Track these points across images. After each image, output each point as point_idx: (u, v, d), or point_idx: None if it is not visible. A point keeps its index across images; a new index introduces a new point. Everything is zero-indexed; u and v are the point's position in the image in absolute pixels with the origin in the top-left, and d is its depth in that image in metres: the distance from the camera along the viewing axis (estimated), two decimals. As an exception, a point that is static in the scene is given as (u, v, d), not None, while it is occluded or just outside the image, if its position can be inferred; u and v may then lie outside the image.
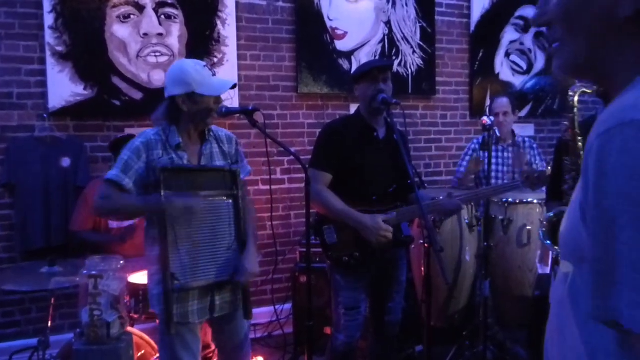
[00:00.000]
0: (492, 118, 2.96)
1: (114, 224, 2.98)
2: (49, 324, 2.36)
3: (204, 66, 2.05)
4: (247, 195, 2.33)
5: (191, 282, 1.99)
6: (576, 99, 2.00)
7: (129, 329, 2.27)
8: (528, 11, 4.58)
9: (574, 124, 2.02)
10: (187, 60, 2.11)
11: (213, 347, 2.58)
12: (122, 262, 2.17)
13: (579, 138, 2.00)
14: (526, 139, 3.69)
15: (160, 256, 1.94)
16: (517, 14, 4.59)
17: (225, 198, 2.10)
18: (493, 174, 3.47)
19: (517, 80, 4.67)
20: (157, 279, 1.99)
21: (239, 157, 2.24)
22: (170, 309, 1.92)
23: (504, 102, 3.55)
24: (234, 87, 2.14)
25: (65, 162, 3.24)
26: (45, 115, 3.23)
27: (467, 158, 3.61)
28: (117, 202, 1.95)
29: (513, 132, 3.64)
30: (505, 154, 3.57)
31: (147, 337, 2.51)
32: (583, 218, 0.69)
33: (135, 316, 2.50)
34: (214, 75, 2.07)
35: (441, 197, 2.50)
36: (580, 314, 0.72)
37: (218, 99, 2.06)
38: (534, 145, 3.65)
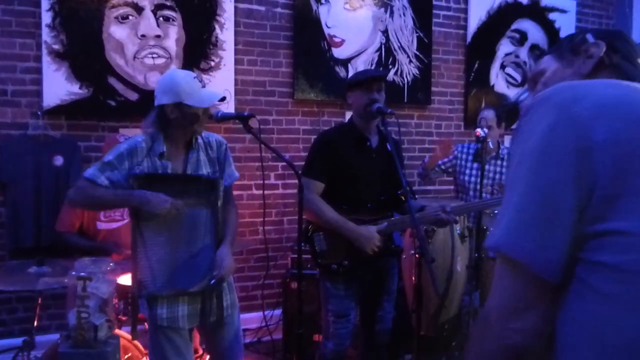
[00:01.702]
0: (485, 130, 2.97)
1: (102, 225, 2.96)
2: (35, 324, 2.34)
3: (194, 77, 2.06)
4: (234, 200, 2.30)
5: (161, 291, 1.99)
6: None
7: (117, 331, 2.25)
8: (524, 24, 4.62)
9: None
10: (178, 71, 2.12)
11: (200, 351, 2.56)
12: (111, 264, 2.15)
13: None
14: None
15: (132, 262, 1.97)
16: (513, 27, 4.62)
17: (202, 207, 2.07)
18: (473, 186, 3.46)
19: (512, 92, 4.70)
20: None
21: (227, 162, 2.22)
22: (136, 314, 1.98)
23: (489, 116, 3.56)
24: (222, 99, 2.13)
25: (58, 160, 3.22)
26: (39, 113, 3.21)
27: (445, 160, 3.60)
28: (90, 194, 1.96)
29: (499, 144, 3.65)
30: (488, 167, 3.55)
31: (135, 340, 2.49)
32: None
33: (124, 318, 2.48)
34: (204, 86, 2.07)
35: (433, 205, 2.50)
36: None
37: (206, 110, 2.06)
38: None
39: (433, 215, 2.39)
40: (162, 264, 1.99)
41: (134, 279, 1.98)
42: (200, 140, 2.14)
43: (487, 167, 3.54)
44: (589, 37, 0.98)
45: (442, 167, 3.61)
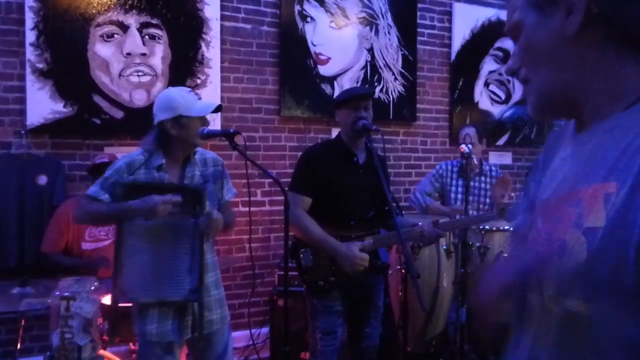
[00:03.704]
0: (470, 146, 3.01)
1: (87, 246, 2.93)
2: (18, 347, 2.29)
3: (189, 91, 2.17)
4: (233, 213, 2.35)
5: (140, 298, 2.01)
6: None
7: (101, 352, 2.22)
8: (507, 43, 4.71)
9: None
10: (172, 88, 2.20)
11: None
12: (96, 283, 2.13)
13: None
14: (493, 167, 3.73)
15: (114, 269, 2.00)
16: (496, 45, 4.71)
17: (186, 215, 2.08)
18: (459, 203, 3.49)
19: (496, 110, 4.77)
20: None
21: (226, 179, 2.27)
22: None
23: (471, 132, 3.60)
24: (219, 108, 2.17)
25: (42, 180, 3.19)
26: (22, 132, 3.19)
27: (432, 179, 3.64)
28: (92, 210, 2.03)
29: (481, 161, 3.68)
30: (473, 183, 3.59)
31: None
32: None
33: (108, 339, 2.44)
34: (199, 99, 2.16)
35: (420, 224, 2.52)
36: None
37: (204, 121, 2.14)
38: (501, 174, 3.67)
39: (418, 231, 2.40)
40: (143, 272, 2.00)
41: (114, 286, 1.99)
42: (197, 157, 2.20)
43: (471, 183, 3.57)
44: None
45: (434, 192, 3.64)
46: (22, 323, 2.32)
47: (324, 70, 4.03)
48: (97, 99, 3.38)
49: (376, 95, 4.15)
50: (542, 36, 0.74)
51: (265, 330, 3.65)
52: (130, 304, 2.20)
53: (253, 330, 3.61)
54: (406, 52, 4.32)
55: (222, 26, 3.73)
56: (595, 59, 0.72)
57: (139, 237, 2.00)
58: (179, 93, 2.12)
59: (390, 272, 3.08)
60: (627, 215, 0.62)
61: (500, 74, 4.75)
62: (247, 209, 3.67)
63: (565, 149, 0.83)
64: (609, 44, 0.71)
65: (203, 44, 3.66)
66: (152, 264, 2.01)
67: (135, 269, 1.98)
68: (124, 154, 3.31)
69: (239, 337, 3.66)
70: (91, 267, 2.78)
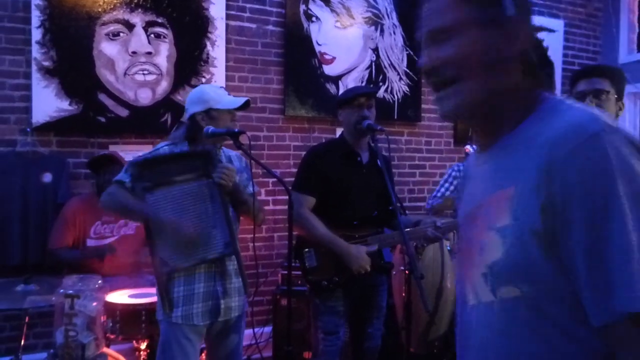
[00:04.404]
0: (475, 147, 2.99)
1: (92, 242, 2.94)
2: (22, 343, 2.30)
3: (220, 87, 2.32)
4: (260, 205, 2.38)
5: (181, 264, 2.04)
6: None
7: (105, 349, 2.22)
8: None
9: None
10: (205, 84, 2.34)
11: None
12: (100, 281, 2.13)
13: None
14: None
15: (149, 245, 2.03)
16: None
17: (201, 179, 2.13)
18: None
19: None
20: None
21: (249, 174, 2.30)
22: (163, 292, 2.02)
23: None
24: (247, 103, 2.21)
25: (47, 177, 3.20)
26: (28, 130, 3.20)
27: (447, 185, 3.63)
28: (118, 200, 2.06)
29: None
30: None
31: (122, 359, 2.46)
32: (538, 240, 0.74)
33: (112, 336, 2.45)
34: (229, 94, 2.26)
35: (427, 220, 2.51)
36: (548, 332, 0.76)
37: (233, 116, 2.23)
38: None
39: (422, 231, 2.40)
40: (176, 239, 2.03)
41: (154, 260, 2.03)
42: (222, 153, 2.26)
43: None
44: None
45: (450, 195, 3.60)
46: (26, 320, 2.33)
47: (329, 69, 4.02)
48: (103, 97, 3.39)
49: (381, 95, 4.15)
50: (482, 48, 0.82)
51: (268, 329, 3.65)
52: (136, 301, 2.21)
53: (256, 330, 3.61)
54: (411, 52, 4.31)
55: (227, 25, 3.73)
56: (516, 82, 0.84)
57: (162, 211, 2.04)
58: (211, 88, 2.26)
59: (393, 272, 3.08)
60: (526, 210, 0.75)
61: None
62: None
63: (473, 167, 0.98)
64: (524, 74, 0.85)
65: (208, 43, 3.66)
66: (182, 232, 2.04)
67: (168, 239, 2.02)
68: (129, 152, 3.35)
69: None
70: (99, 254, 2.80)
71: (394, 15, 4.24)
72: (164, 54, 3.54)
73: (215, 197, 2.11)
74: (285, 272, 3.09)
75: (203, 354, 2.50)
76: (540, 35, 0.88)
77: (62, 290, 1.93)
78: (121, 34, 3.42)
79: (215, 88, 2.27)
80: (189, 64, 3.62)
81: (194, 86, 3.59)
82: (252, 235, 2.74)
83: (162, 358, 2.12)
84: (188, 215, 2.07)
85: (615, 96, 2.04)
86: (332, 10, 4.01)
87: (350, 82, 4.08)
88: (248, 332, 3.64)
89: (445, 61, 0.84)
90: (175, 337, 2.08)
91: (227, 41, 3.74)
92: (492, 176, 0.86)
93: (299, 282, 3.09)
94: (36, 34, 3.20)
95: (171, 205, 2.05)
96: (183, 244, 2.03)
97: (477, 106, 0.85)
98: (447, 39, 0.84)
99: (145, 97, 3.48)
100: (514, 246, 0.77)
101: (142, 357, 2.53)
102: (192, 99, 2.21)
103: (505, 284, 0.79)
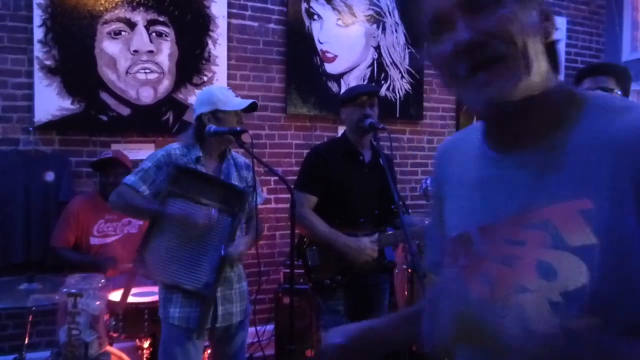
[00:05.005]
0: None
1: (95, 241, 2.95)
2: (26, 341, 2.31)
3: (228, 89, 2.31)
4: (260, 223, 2.34)
5: (158, 275, 2.06)
6: None
7: (108, 348, 2.23)
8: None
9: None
10: (213, 85, 2.36)
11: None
12: (102, 280, 2.14)
13: None
14: None
15: (142, 242, 2.05)
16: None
17: (226, 215, 2.13)
18: None
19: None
20: (160, 285, 2.14)
21: (255, 183, 2.31)
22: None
23: None
24: (254, 106, 2.23)
25: (49, 176, 3.20)
26: (30, 129, 3.20)
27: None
28: (128, 200, 2.06)
29: None
30: None
31: (125, 357, 2.46)
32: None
33: (115, 335, 2.46)
34: (236, 96, 2.26)
35: (426, 222, 2.51)
36: None
37: (240, 118, 2.21)
38: None
39: (423, 229, 2.39)
40: (167, 253, 2.05)
41: (138, 258, 2.03)
42: (231, 157, 2.26)
43: None
44: None
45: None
46: (30, 318, 2.34)
47: (331, 68, 4.02)
48: (104, 96, 3.39)
49: (383, 93, 4.14)
50: (521, 25, 0.68)
51: (270, 327, 3.66)
52: (139, 300, 2.23)
53: (258, 328, 3.61)
54: (413, 50, 4.30)
55: (229, 24, 3.73)
56: (549, 69, 0.72)
57: (173, 220, 2.05)
58: (219, 89, 2.27)
59: (396, 271, 3.07)
60: (618, 231, 0.62)
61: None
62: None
63: (481, 171, 0.80)
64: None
65: (210, 42, 3.66)
66: (177, 248, 2.06)
67: (160, 248, 2.03)
68: (131, 151, 3.35)
69: (244, 334, 3.67)
70: (99, 266, 2.79)
71: (396, 13, 4.23)
72: (165, 52, 3.54)
73: (223, 238, 2.11)
74: (287, 270, 3.09)
75: (206, 353, 2.51)
76: None
77: (65, 289, 1.94)
78: (123, 33, 3.43)
79: (223, 89, 2.28)
80: (191, 63, 3.62)
81: (195, 85, 3.60)
82: (254, 234, 2.77)
83: (163, 357, 2.13)
84: (194, 236, 2.07)
85: (621, 94, 2.03)
86: (334, 9, 4.00)
87: (352, 80, 4.08)
88: (251, 330, 3.64)
89: (497, 32, 0.67)
90: (175, 336, 2.09)
91: (229, 39, 3.73)
92: (542, 182, 0.70)
93: (301, 281, 3.10)
94: (38, 33, 3.20)
95: (182, 215, 2.06)
96: (173, 258, 2.04)
97: (527, 90, 0.69)
98: (496, 4, 0.68)
99: (147, 96, 3.49)
100: (605, 271, 0.63)
101: (144, 356, 2.54)
102: (199, 100, 2.23)
103: (588, 314, 0.64)
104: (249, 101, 2.22)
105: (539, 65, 0.70)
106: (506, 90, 0.68)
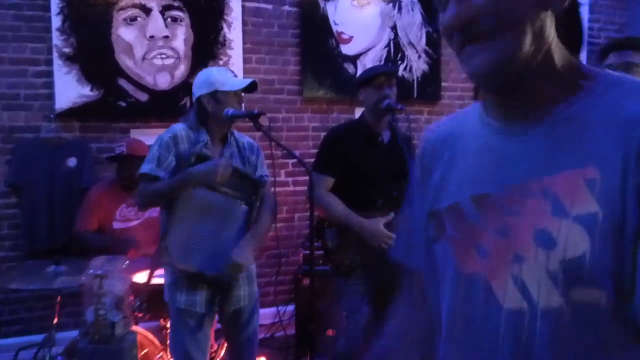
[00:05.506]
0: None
1: (118, 225, 3.00)
2: (55, 322, 2.38)
3: (227, 70, 2.30)
4: (271, 199, 2.33)
5: (179, 263, 2.06)
6: None
7: (134, 327, 2.29)
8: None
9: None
10: (212, 67, 2.31)
11: (215, 346, 2.59)
12: (127, 262, 2.19)
13: None
14: None
15: (162, 232, 2.07)
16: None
17: (242, 202, 2.16)
18: None
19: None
20: (167, 271, 2.16)
21: (260, 164, 2.31)
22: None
23: None
24: (254, 85, 2.18)
25: (71, 162, 3.26)
26: (51, 116, 3.26)
27: None
28: (154, 191, 2.06)
29: None
30: None
31: (150, 336, 2.53)
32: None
33: (139, 315, 2.52)
34: (235, 76, 2.24)
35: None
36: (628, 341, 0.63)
37: (239, 98, 2.18)
38: None
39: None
40: (188, 241, 2.07)
41: (159, 247, 2.06)
42: (233, 139, 2.25)
43: None
44: None
45: None
46: (58, 300, 2.40)
47: (346, 49, 3.99)
48: (122, 82, 3.42)
49: (400, 73, 4.10)
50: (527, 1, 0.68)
51: (291, 307, 3.71)
52: (161, 281, 2.27)
53: (279, 308, 3.66)
54: (430, 30, 4.25)
55: (243, 7, 3.72)
56: (557, 43, 0.71)
57: (192, 209, 2.06)
58: (217, 70, 2.25)
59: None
60: (623, 199, 0.61)
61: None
62: (272, 189, 3.71)
63: (478, 141, 0.79)
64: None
65: (225, 26, 3.66)
66: (197, 236, 2.08)
67: (182, 236, 2.05)
68: (150, 136, 3.38)
69: (266, 314, 3.72)
70: (121, 247, 2.85)
71: (412, -8, 4.17)
72: (181, 37, 3.56)
73: (241, 224, 2.15)
74: (307, 252, 3.12)
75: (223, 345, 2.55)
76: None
77: (91, 271, 1.99)
78: (138, 19, 3.44)
79: (221, 70, 2.27)
80: (206, 47, 3.63)
81: (212, 69, 3.61)
82: (273, 216, 2.79)
83: (172, 341, 2.17)
84: (212, 223, 2.10)
85: None
86: (349, -11, 3.96)
87: (369, 61, 4.05)
88: (272, 310, 3.70)
89: (487, 9, 0.67)
90: (183, 321, 2.12)
91: (244, 23, 3.73)
92: (545, 153, 0.69)
93: (320, 262, 3.13)
94: (56, 21, 3.23)
95: (202, 207, 2.08)
96: (194, 247, 2.06)
97: (519, 65, 0.69)
98: None
99: (164, 82, 3.51)
100: (605, 239, 0.62)
101: (169, 335, 2.60)
102: (198, 82, 2.19)
103: (588, 286, 0.63)
104: (248, 80, 2.18)
105: (541, 37, 0.69)
106: (494, 61, 0.68)
